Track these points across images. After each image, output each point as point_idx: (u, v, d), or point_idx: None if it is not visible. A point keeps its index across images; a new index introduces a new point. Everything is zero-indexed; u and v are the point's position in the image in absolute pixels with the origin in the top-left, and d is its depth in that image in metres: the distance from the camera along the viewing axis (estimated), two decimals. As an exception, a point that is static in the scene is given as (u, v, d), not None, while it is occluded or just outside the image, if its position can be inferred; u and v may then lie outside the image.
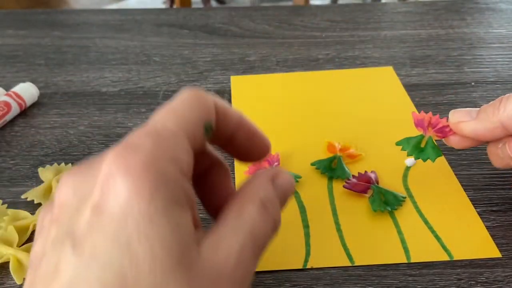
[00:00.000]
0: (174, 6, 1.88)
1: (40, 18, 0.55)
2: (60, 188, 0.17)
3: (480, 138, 0.28)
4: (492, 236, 0.27)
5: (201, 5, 2.07)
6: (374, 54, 0.46)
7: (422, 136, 0.29)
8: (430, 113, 0.29)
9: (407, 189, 0.31)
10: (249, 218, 0.17)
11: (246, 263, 0.16)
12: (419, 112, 0.29)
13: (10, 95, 0.38)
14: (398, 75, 0.42)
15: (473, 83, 0.41)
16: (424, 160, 0.29)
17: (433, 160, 0.29)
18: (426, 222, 0.28)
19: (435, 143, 0.29)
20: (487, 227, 0.28)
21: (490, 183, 0.31)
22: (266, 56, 0.47)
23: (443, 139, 0.29)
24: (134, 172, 0.15)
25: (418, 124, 0.29)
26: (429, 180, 0.31)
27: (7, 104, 0.38)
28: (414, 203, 0.30)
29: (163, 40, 0.50)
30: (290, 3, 1.92)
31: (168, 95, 0.41)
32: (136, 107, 0.39)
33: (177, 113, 0.17)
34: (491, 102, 0.27)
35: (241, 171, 0.32)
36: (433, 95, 0.40)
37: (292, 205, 0.30)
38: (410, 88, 0.40)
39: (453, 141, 0.29)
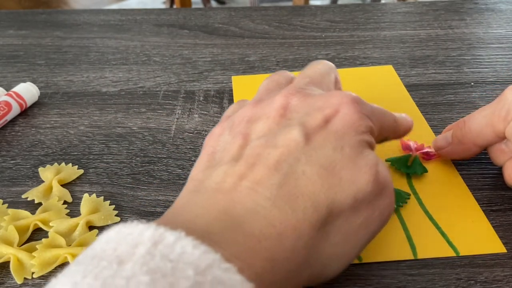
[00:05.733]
0: (174, 6, 1.88)
1: (41, 18, 0.55)
2: (291, 99, 0.24)
3: (463, 158, 0.32)
4: (491, 235, 0.28)
5: (201, 5, 2.07)
6: (373, 54, 0.46)
7: (409, 155, 0.32)
8: (416, 141, 0.33)
9: (411, 186, 0.31)
10: None
11: None
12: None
13: (10, 95, 0.38)
14: (398, 75, 0.42)
15: (472, 83, 0.41)
16: (411, 174, 0.32)
17: (419, 174, 0.31)
18: (431, 218, 0.29)
19: (421, 161, 0.32)
20: (487, 227, 0.28)
21: (490, 183, 0.31)
22: (266, 56, 0.47)
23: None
24: (356, 111, 0.23)
25: (406, 148, 0.33)
26: (433, 177, 0.31)
27: (7, 104, 0.38)
28: (419, 199, 0.30)
29: (163, 40, 0.50)
30: (290, 3, 1.92)
31: (168, 95, 0.41)
32: (136, 107, 0.40)
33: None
34: (455, 123, 0.31)
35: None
36: (432, 95, 0.40)
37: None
38: (410, 88, 0.40)
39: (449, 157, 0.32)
